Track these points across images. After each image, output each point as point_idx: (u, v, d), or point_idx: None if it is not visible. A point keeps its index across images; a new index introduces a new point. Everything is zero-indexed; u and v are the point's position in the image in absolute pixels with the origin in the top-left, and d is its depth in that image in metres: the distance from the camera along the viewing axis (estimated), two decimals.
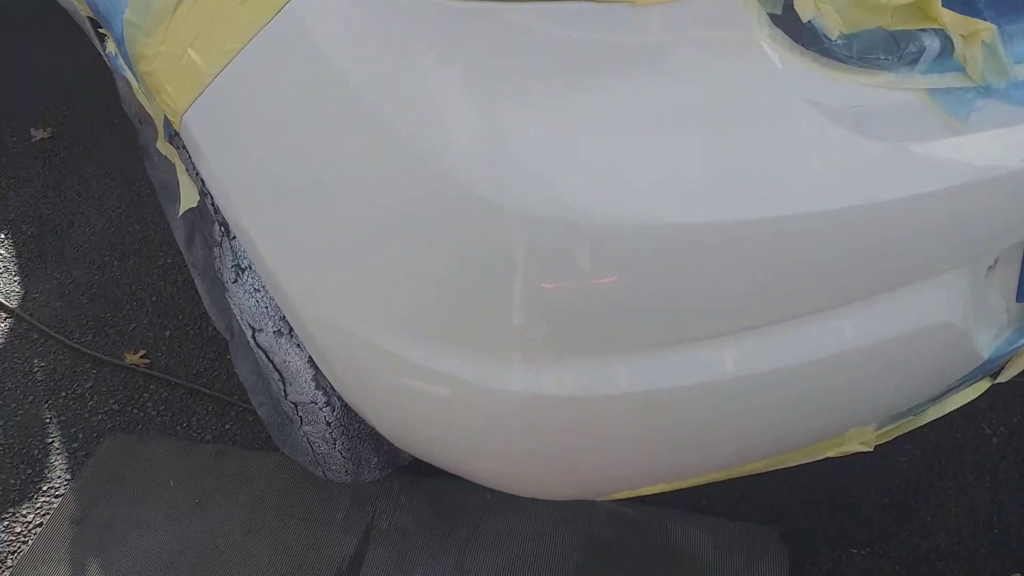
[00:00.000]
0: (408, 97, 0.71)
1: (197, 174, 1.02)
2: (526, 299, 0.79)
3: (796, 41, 0.74)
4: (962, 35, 0.79)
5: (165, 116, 0.97)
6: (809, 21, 0.73)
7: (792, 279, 0.78)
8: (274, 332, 1.06)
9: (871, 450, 1.02)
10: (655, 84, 0.71)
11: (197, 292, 1.83)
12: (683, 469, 0.97)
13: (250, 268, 1.04)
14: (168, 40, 0.85)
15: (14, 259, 1.97)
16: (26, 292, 1.88)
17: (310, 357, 1.06)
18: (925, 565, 1.35)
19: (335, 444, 1.17)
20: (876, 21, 0.77)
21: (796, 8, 0.72)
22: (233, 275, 1.05)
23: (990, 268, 0.94)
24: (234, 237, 1.03)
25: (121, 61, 1.04)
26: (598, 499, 1.04)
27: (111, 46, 1.09)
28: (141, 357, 1.71)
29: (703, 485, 1.36)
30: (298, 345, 1.06)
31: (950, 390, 1.03)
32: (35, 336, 1.78)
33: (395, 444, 1.06)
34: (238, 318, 1.11)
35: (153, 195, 2.11)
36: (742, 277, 0.77)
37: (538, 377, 0.85)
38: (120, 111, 2.34)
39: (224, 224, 1.04)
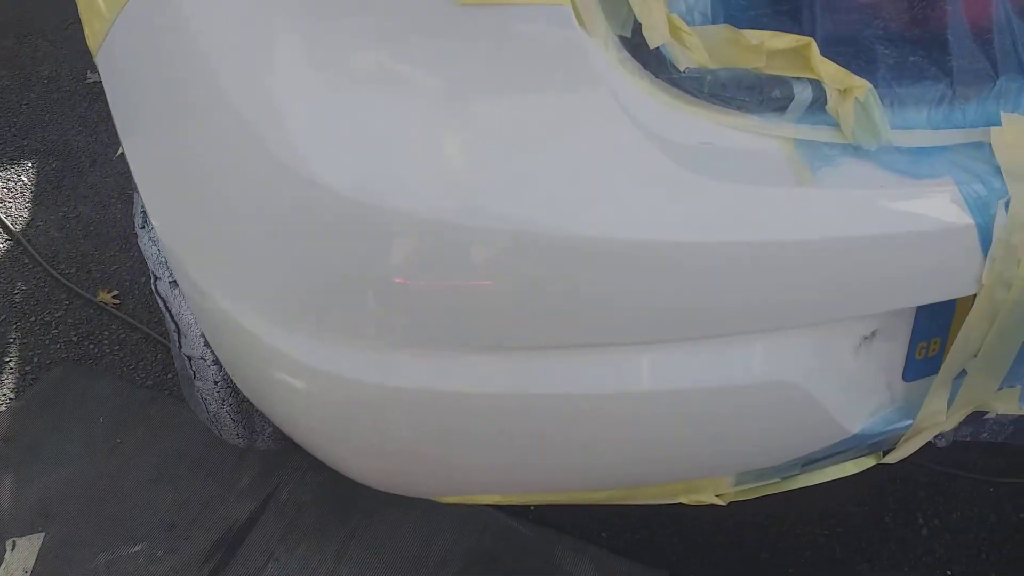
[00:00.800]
0: (261, 85, 0.72)
1: None
2: (378, 293, 0.80)
3: (647, 68, 0.73)
4: (838, 89, 0.76)
5: None
6: (657, 49, 0.71)
7: (619, 303, 0.76)
8: (170, 282, 1.09)
9: (724, 504, 0.99)
10: (497, 91, 0.70)
11: None
12: (517, 481, 0.95)
13: None
14: None
15: (31, 188, 2.08)
16: (31, 219, 1.98)
17: None
18: None
19: (223, 404, 1.19)
20: (750, 63, 0.75)
21: (644, 34, 0.70)
22: (140, 220, 1.09)
23: (865, 339, 0.90)
24: None
25: None
26: (437, 500, 1.02)
27: None
28: (113, 297, 1.78)
29: (606, 517, 1.33)
30: None
31: (823, 459, 0.99)
32: (26, 260, 1.87)
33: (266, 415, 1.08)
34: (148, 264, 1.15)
35: None
36: (569, 291, 0.75)
37: (374, 365, 0.85)
38: None
39: None
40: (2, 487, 1.43)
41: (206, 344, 1.12)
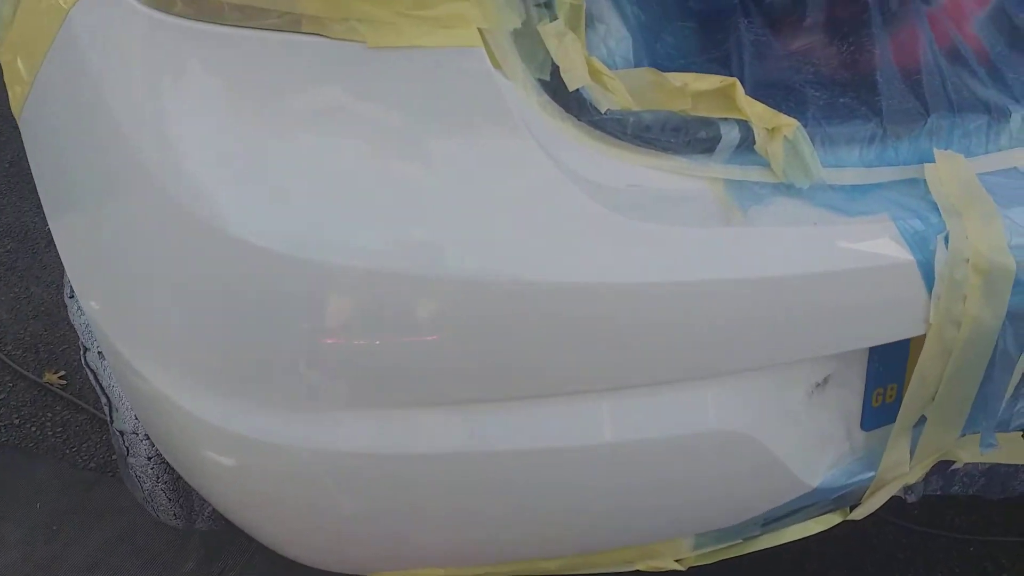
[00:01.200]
0: (152, 129, 0.70)
1: None
2: (312, 351, 0.76)
3: (568, 111, 0.71)
4: (766, 128, 0.75)
5: None
6: (577, 91, 0.70)
7: (550, 350, 0.72)
8: (99, 353, 1.04)
9: (683, 569, 0.93)
10: (419, 137, 0.68)
11: None
12: (463, 551, 0.89)
13: None
14: (10, 48, 0.87)
15: None
16: None
17: None
18: None
19: (158, 482, 1.13)
20: (675, 105, 0.74)
21: (563, 76, 0.69)
22: (68, 290, 1.05)
23: (818, 385, 0.86)
24: None
25: None
26: None
27: None
28: (59, 377, 1.72)
29: None
30: None
31: (786, 516, 0.94)
32: None
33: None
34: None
35: None
36: (498, 339, 0.72)
37: (308, 429, 0.80)
38: None
39: None
40: None
41: (137, 418, 1.07)
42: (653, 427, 0.78)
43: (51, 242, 2.14)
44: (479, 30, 0.66)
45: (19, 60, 0.84)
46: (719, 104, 0.75)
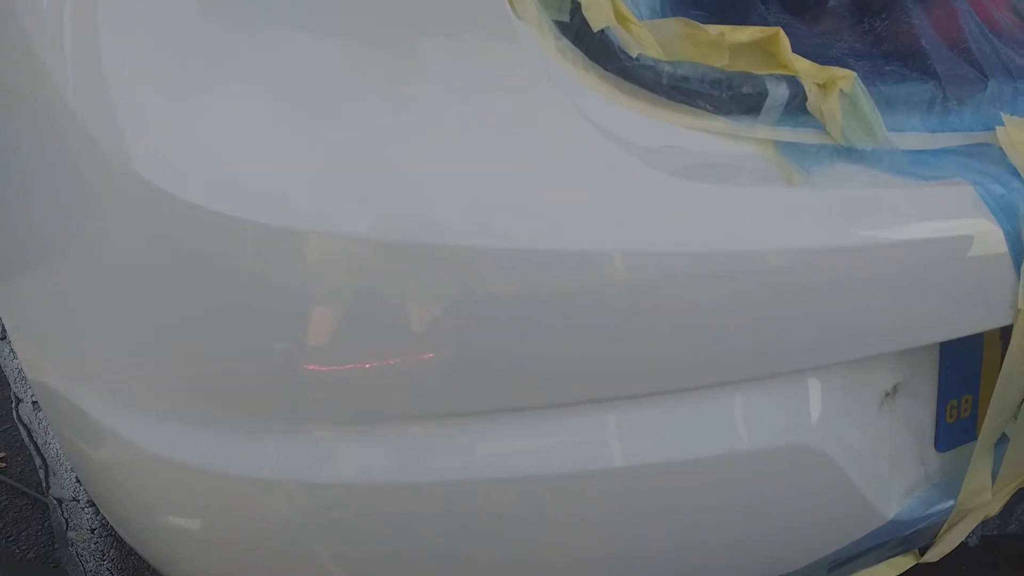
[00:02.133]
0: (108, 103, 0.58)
1: None
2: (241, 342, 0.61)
3: (591, 58, 0.60)
4: (817, 84, 0.64)
5: None
6: (603, 33, 0.59)
7: (580, 336, 0.59)
8: (33, 403, 0.89)
9: None
10: (426, 85, 0.57)
11: None
12: None
13: None
14: None
15: None
16: None
17: None
18: None
19: (103, 559, 0.96)
20: (710, 59, 0.63)
21: (585, 15, 0.58)
22: (1, 330, 0.90)
23: (887, 395, 0.73)
24: None
25: None
26: None
27: None
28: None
29: None
30: None
31: (853, 559, 0.79)
32: None
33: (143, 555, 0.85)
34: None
35: None
36: (522, 327, 0.58)
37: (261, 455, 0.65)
38: None
39: None
40: None
41: (79, 480, 0.90)
42: (704, 443, 0.64)
43: None
44: None
45: None
46: (761, 59, 0.64)
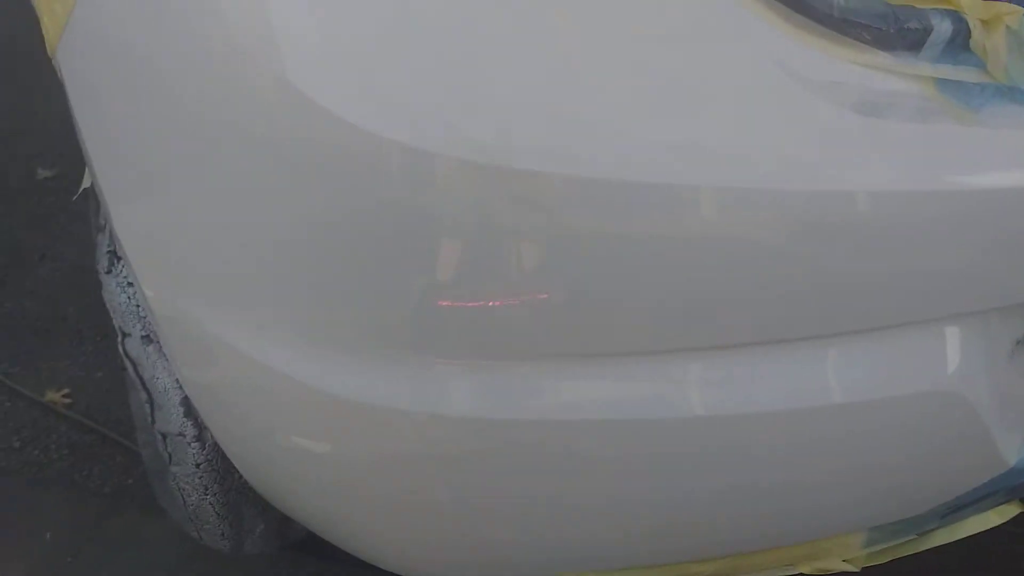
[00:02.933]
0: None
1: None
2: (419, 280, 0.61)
3: None
4: (980, 20, 0.63)
5: None
6: None
7: (743, 283, 0.59)
8: (142, 337, 0.89)
9: (857, 571, 0.79)
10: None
11: None
12: (599, 551, 0.74)
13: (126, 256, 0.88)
14: None
15: None
16: None
17: None
18: None
19: (207, 494, 0.97)
20: None
21: None
22: (107, 263, 0.90)
23: (1018, 343, 0.73)
24: None
25: None
26: None
27: None
28: (63, 396, 1.55)
29: None
30: (167, 356, 0.88)
31: (968, 505, 0.80)
32: None
33: (273, 503, 0.87)
34: (113, 320, 0.95)
35: None
36: (697, 264, 0.58)
37: (435, 392, 0.66)
38: None
39: None
40: None
41: (186, 415, 0.91)
42: (848, 388, 0.64)
43: (44, 256, 1.99)
44: None
45: None
46: None
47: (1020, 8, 0.63)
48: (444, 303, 0.62)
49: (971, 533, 0.85)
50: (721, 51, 0.56)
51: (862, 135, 0.57)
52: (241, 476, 0.96)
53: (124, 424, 1.50)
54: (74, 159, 2.34)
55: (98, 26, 0.68)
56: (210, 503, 0.98)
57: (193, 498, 0.98)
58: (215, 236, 0.67)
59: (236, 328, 0.70)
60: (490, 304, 0.63)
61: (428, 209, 0.59)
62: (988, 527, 0.85)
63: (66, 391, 1.56)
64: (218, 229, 0.65)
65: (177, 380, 0.88)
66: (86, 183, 0.92)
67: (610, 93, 0.55)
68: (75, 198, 1.01)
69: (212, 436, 0.91)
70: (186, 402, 0.90)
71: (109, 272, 0.90)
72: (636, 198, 0.55)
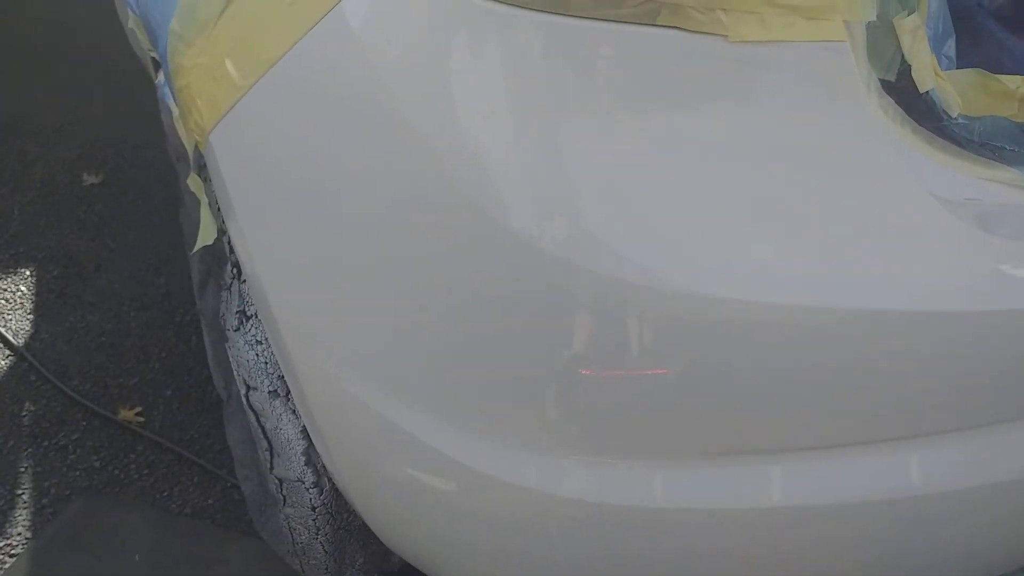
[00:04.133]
0: (455, 127, 0.61)
1: (217, 207, 0.94)
2: (566, 383, 0.67)
3: (909, 114, 0.64)
4: None
5: (196, 144, 0.89)
6: (926, 93, 0.62)
7: (884, 391, 0.64)
8: (269, 392, 0.94)
9: None
10: (742, 134, 0.60)
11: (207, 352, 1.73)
12: None
13: (255, 316, 0.93)
14: (207, 50, 0.77)
15: (32, 297, 1.90)
16: (35, 331, 1.80)
17: (304, 427, 0.94)
18: None
19: (318, 534, 1.02)
20: (1001, 110, 0.67)
21: (914, 76, 0.62)
22: (236, 322, 0.94)
23: None
24: (244, 280, 0.93)
25: (166, 89, 0.98)
26: None
27: (160, 75, 1.03)
28: (136, 414, 1.59)
29: None
30: (293, 411, 0.93)
31: None
32: (32, 378, 1.67)
33: (384, 540, 0.92)
34: (234, 372, 0.99)
35: (185, 249, 2.05)
36: (822, 380, 0.64)
37: (566, 477, 0.72)
38: (169, 162, 2.32)
39: (237, 265, 0.94)
40: None
41: (307, 464, 0.96)
42: (1000, 469, 0.70)
43: (100, 267, 2.02)
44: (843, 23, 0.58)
45: (231, 63, 0.74)
46: None
47: None
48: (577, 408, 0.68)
49: None
50: (879, 186, 0.61)
51: (1003, 253, 0.62)
52: (349, 518, 1.02)
53: (197, 443, 1.55)
54: (119, 163, 2.37)
55: (274, 122, 0.72)
56: (320, 542, 1.03)
57: (304, 537, 1.04)
58: (383, 325, 0.72)
59: (386, 400, 0.75)
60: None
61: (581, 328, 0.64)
62: None
63: (138, 409, 1.60)
64: (407, 333, 0.70)
65: (302, 431, 0.93)
66: (204, 242, 0.96)
67: (788, 224, 0.60)
68: (192, 253, 1.05)
69: (329, 483, 0.97)
70: (308, 452, 0.95)
71: (238, 330, 0.94)
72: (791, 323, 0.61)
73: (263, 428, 0.97)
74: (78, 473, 1.49)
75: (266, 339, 0.93)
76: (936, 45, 0.67)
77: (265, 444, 0.98)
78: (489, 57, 0.59)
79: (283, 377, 0.93)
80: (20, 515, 1.41)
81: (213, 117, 0.79)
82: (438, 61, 0.61)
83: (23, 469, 1.49)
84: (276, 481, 1.00)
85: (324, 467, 0.96)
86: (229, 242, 0.95)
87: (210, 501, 1.45)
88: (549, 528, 0.75)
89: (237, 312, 0.94)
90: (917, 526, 0.70)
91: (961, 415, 0.65)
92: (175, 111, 0.96)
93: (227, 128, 0.77)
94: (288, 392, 0.93)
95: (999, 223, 0.64)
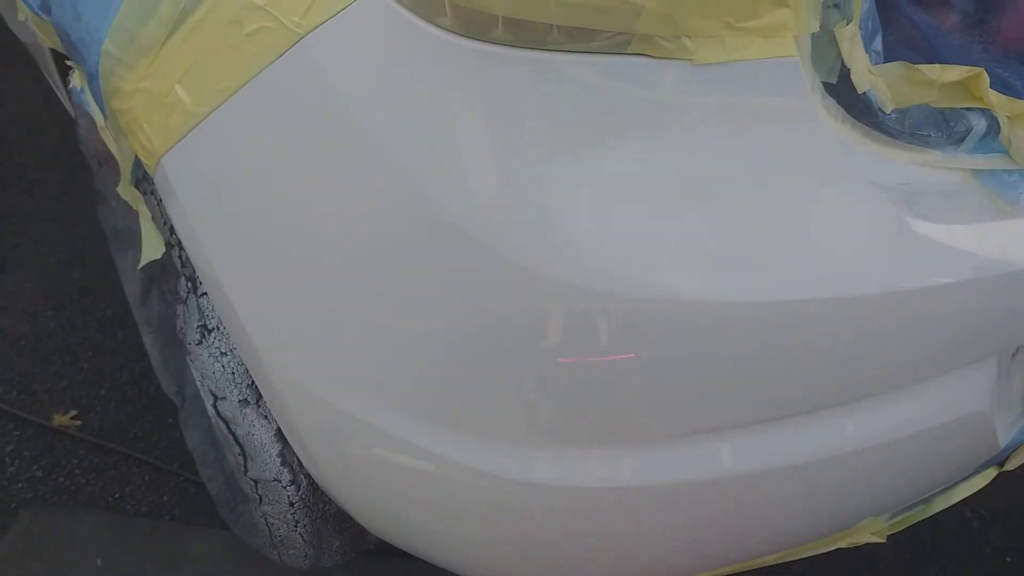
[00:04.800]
0: (432, 152, 0.63)
1: (166, 223, 0.92)
2: (537, 374, 0.72)
3: (849, 113, 0.69)
4: (1007, 116, 0.76)
5: (135, 159, 0.87)
6: (864, 93, 0.68)
7: (820, 367, 0.72)
8: (239, 401, 0.95)
9: (883, 541, 0.96)
10: (703, 149, 0.65)
11: (138, 349, 1.69)
12: (683, 566, 0.88)
13: (218, 329, 0.93)
14: (152, 75, 0.75)
15: None
16: None
17: (277, 430, 0.96)
18: None
19: (297, 526, 1.05)
20: (923, 98, 0.73)
21: (853, 79, 0.67)
22: (198, 336, 0.94)
23: (1013, 356, 0.90)
24: (203, 294, 0.92)
25: (88, 97, 0.94)
26: None
27: (78, 80, 0.99)
28: (71, 418, 1.55)
29: None
30: (265, 416, 0.95)
31: (962, 479, 0.98)
32: None
33: (367, 528, 0.96)
34: (198, 383, 0.99)
35: (97, 242, 1.96)
36: (770, 363, 0.71)
37: (536, 463, 0.77)
38: (63, 152, 2.20)
39: (192, 279, 0.93)
40: None
41: (283, 464, 0.98)
42: (909, 424, 0.79)
43: (4, 265, 1.92)
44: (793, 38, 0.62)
45: (183, 90, 0.73)
46: (964, 95, 0.74)
47: None
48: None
49: (963, 497, 1.03)
50: (824, 178, 0.67)
51: (926, 235, 0.70)
52: (326, 507, 1.05)
53: (142, 440, 1.53)
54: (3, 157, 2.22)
55: (236, 147, 0.72)
56: (299, 533, 1.06)
57: (283, 530, 1.07)
58: (353, 328, 0.74)
59: (362, 401, 0.78)
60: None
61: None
62: (975, 489, 1.04)
63: (73, 413, 1.56)
64: (377, 334, 0.72)
65: (275, 433, 0.95)
66: (151, 256, 0.95)
67: (751, 227, 0.65)
68: (138, 267, 1.03)
69: (305, 479, 0.99)
70: (283, 453, 0.97)
71: (200, 343, 0.94)
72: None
73: (234, 435, 0.98)
74: (20, 485, 1.45)
75: (231, 350, 0.94)
76: (867, 41, 0.72)
77: (238, 449, 0.99)
78: (465, 90, 0.61)
79: (252, 385, 0.94)
80: None
81: (166, 143, 0.77)
82: (409, 96, 0.62)
83: None
84: (251, 482, 1.02)
85: (300, 465, 0.98)
86: (180, 256, 0.94)
87: (165, 498, 1.44)
88: (517, 509, 0.81)
89: (198, 327, 0.94)
90: (847, 476, 0.79)
91: (887, 380, 0.74)
92: (100, 120, 0.93)
93: (182, 152, 0.76)
94: (258, 399, 0.94)
95: (925, 202, 0.72)
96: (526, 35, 0.58)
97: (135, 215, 1.00)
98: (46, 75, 1.78)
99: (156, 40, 0.74)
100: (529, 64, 0.59)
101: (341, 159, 0.68)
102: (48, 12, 0.96)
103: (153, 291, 1.14)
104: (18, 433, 1.53)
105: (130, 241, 1.24)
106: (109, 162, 1.09)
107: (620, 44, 0.58)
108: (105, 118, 0.90)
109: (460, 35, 0.59)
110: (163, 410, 1.58)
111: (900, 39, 0.80)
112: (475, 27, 0.58)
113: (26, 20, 1.14)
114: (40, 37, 1.11)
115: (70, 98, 1.09)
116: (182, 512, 1.42)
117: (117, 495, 1.45)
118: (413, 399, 0.76)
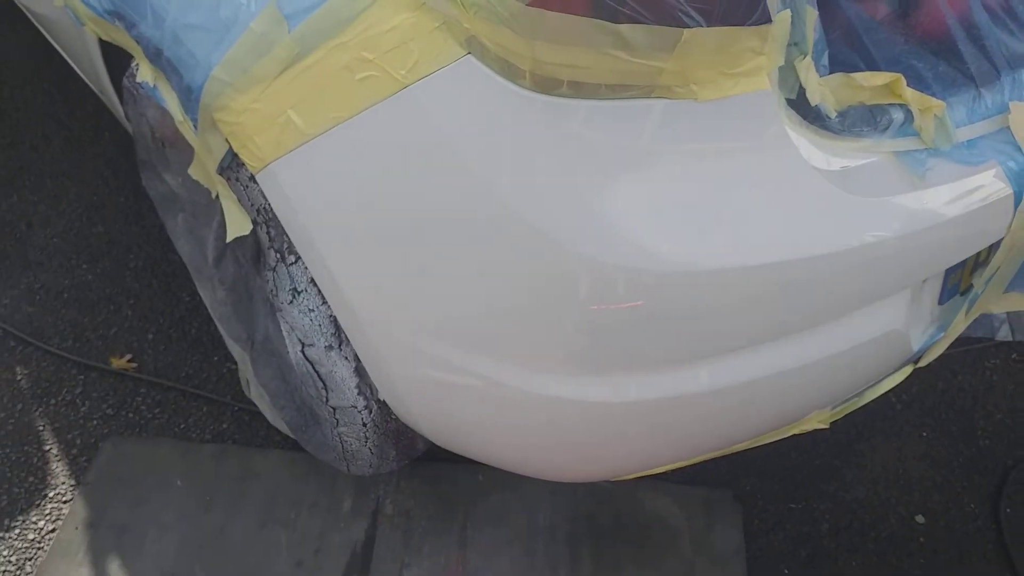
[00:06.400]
0: (514, 170, 0.86)
1: (253, 205, 1.13)
2: (576, 318, 0.97)
3: (804, 118, 0.94)
4: (919, 108, 1.01)
5: (230, 152, 1.07)
6: (816, 105, 0.92)
7: (781, 307, 0.99)
8: (325, 346, 1.18)
9: (827, 427, 1.26)
10: (705, 154, 0.89)
11: (174, 294, 1.88)
12: (685, 454, 1.17)
13: (306, 291, 1.15)
14: (264, 100, 0.95)
15: None
16: None
17: (356, 367, 1.19)
18: (848, 514, 1.62)
19: (366, 442, 1.30)
20: (858, 98, 0.98)
21: (808, 96, 0.91)
22: (289, 297, 1.16)
23: (924, 281, 1.18)
24: (292, 263, 1.14)
25: (167, 94, 1.12)
26: (614, 480, 1.23)
27: (148, 76, 1.16)
28: (128, 361, 1.75)
29: None
30: (346, 358, 1.19)
31: (883, 377, 1.28)
32: (12, 343, 1.78)
33: (431, 438, 1.22)
34: (285, 334, 1.22)
35: (110, 195, 2.12)
36: (744, 307, 0.97)
37: (579, 385, 1.03)
38: (58, 108, 2.31)
39: (280, 251, 1.15)
40: (111, 572, 1.44)
41: (359, 393, 1.22)
42: (847, 341, 1.07)
43: (31, 224, 2.06)
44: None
45: (296, 114, 0.93)
46: (888, 94, 0.99)
47: (943, 103, 1.01)
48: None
49: (887, 389, 1.34)
50: (781, 168, 0.92)
51: (859, 206, 0.96)
52: (388, 425, 1.31)
53: (194, 378, 1.75)
54: (7, 113, 2.30)
55: (342, 161, 0.94)
56: (368, 448, 1.32)
57: (354, 446, 1.32)
58: (437, 293, 0.99)
59: (441, 345, 1.03)
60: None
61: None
62: (894, 384, 1.34)
63: (129, 356, 1.76)
64: (466, 301, 0.97)
65: (355, 370, 1.19)
66: (238, 232, 1.15)
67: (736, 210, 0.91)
68: (227, 240, 1.24)
69: (376, 404, 1.24)
70: (359, 385, 1.22)
71: (292, 302, 1.16)
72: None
73: (318, 373, 1.22)
74: (95, 422, 1.66)
75: (318, 307, 1.16)
76: (817, 59, 0.96)
77: (321, 384, 1.23)
78: (535, 131, 0.84)
79: (335, 333, 1.17)
80: (57, 467, 1.59)
81: (276, 153, 0.98)
82: (496, 131, 0.85)
83: (41, 428, 1.65)
84: (330, 409, 1.26)
85: (372, 393, 1.23)
86: (268, 232, 1.15)
87: (224, 425, 1.67)
88: (553, 419, 1.08)
89: (289, 290, 1.16)
90: (801, 381, 1.09)
91: (831, 312, 1.02)
92: (178, 116, 1.12)
93: (293, 161, 0.97)
94: (340, 344, 1.18)
95: (858, 178, 0.97)
96: (583, 91, 0.81)
97: (200, 189, 1.22)
98: (58, 47, 1.90)
99: (269, 74, 0.94)
100: (584, 110, 0.82)
101: (437, 176, 0.90)
102: (120, 19, 1.13)
103: (227, 255, 1.35)
104: (82, 377, 1.73)
105: (178, 206, 1.45)
106: (177, 145, 1.28)
107: (647, 92, 0.81)
108: (192, 117, 1.09)
109: (536, 91, 0.81)
110: (208, 349, 1.79)
111: (840, 36, 1.03)
112: (547, 86, 0.81)
113: (64, 7, 1.30)
114: (89, 28, 1.26)
115: (136, 88, 1.26)
116: (242, 436, 1.65)
117: (182, 426, 1.67)
118: (489, 341, 1.01)
